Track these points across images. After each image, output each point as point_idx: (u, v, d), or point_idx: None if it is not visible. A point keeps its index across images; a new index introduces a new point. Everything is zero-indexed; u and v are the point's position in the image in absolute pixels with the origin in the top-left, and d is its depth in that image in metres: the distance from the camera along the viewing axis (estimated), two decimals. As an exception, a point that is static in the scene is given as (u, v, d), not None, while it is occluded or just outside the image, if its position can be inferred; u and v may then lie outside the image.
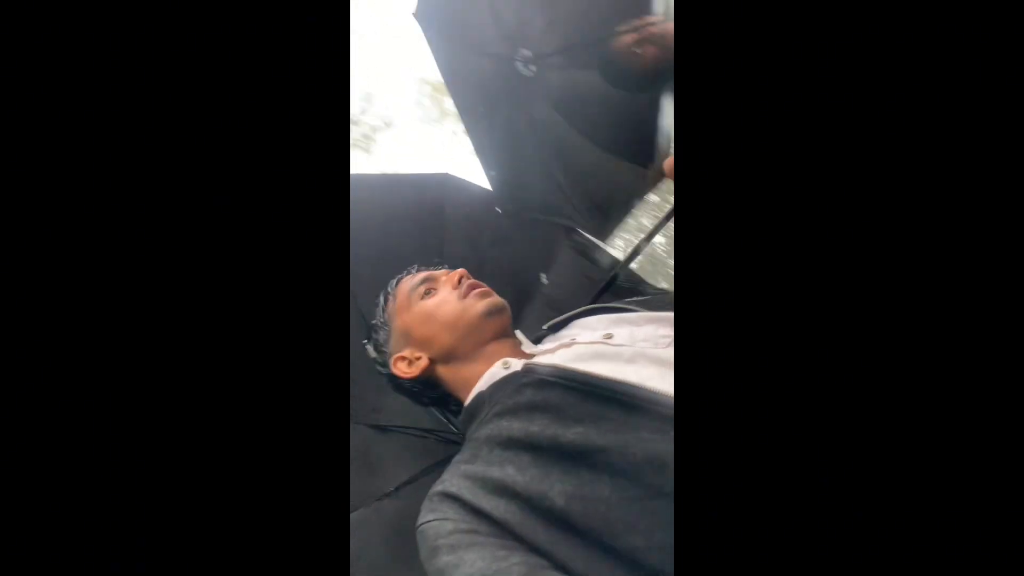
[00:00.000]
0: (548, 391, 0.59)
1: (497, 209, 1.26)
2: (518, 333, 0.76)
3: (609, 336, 0.65)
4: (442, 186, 1.23)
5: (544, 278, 1.15)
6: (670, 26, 1.21)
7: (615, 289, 1.17)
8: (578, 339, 0.68)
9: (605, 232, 1.63)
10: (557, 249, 1.22)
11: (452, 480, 0.59)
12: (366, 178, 1.28)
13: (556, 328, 0.77)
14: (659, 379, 0.55)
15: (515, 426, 0.58)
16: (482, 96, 1.38)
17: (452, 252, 1.13)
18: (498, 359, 0.69)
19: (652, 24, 1.21)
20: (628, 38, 1.22)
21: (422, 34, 1.28)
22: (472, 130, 1.45)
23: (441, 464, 1.01)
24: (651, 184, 1.40)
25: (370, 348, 0.80)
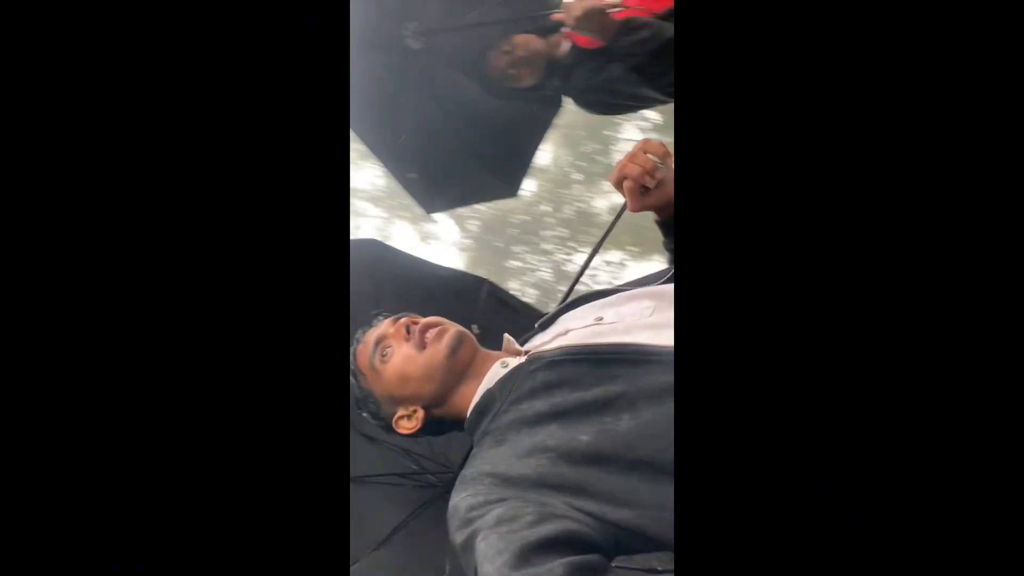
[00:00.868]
0: (560, 368, 0.65)
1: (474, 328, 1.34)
2: (507, 337, 0.79)
3: (600, 319, 0.71)
4: (369, 250, 1.34)
5: (475, 328, 1.29)
6: (541, 46, 1.34)
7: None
8: (570, 327, 0.73)
9: (515, 179, 1.72)
10: (480, 302, 1.37)
11: (482, 462, 0.63)
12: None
13: (544, 326, 0.81)
14: (656, 339, 0.63)
15: (537, 404, 0.63)
16: (381, 96, 1.43)
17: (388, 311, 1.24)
18: (486, 371, 0.74)
19: (525, 45, 1.33)
20: (503, 61, 1.33)
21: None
22: (376, 146, 1.50)
23: (427, 506, 1.11)
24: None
25: (368, 417, 0.83)
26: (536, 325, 0.83)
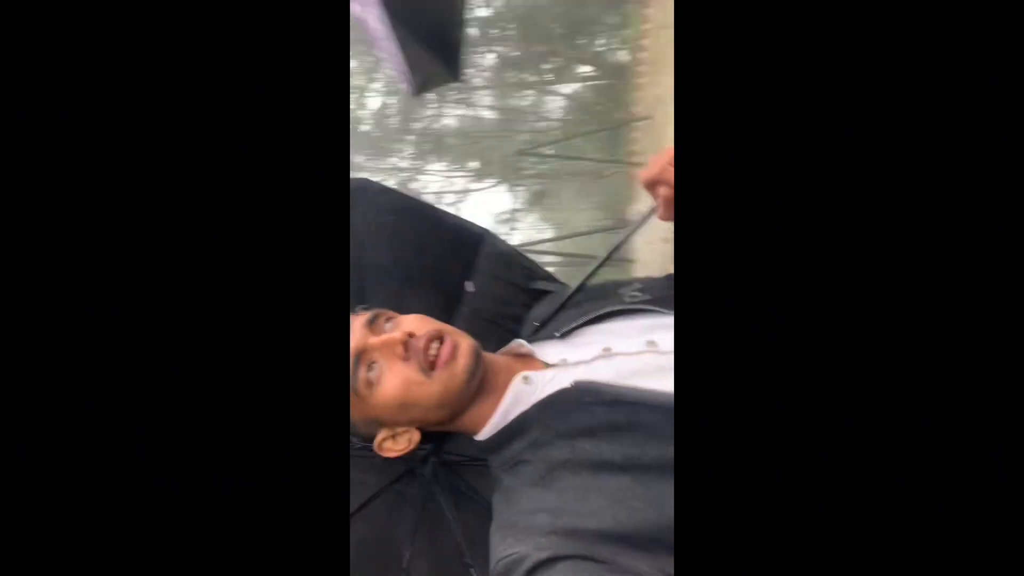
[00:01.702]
0: (629, 411, 0.58)
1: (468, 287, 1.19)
2: (520, 343, 0.71)
3: (653, 343, 0.64)
4: (358, 193, 1.16)
5: (469, 286, 1.17)
6: None
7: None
8: (614, 348, 0.65)
9: (455, 70, 1.67)
10: (478, 256, 1.23)
11: (536, 508, 0.57)
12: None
13: (567, 335, 0.71)
14: None
15: (604, 449, 0.57)
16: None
17: (374, 263, 1.10)
18: (502, 385, 0.65)
19: None
20: None
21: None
22: None
23: (399, 482, 1.03)
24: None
25: None
26: (557, 335, 0.72)
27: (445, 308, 1.11)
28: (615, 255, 0.80)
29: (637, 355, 0.63)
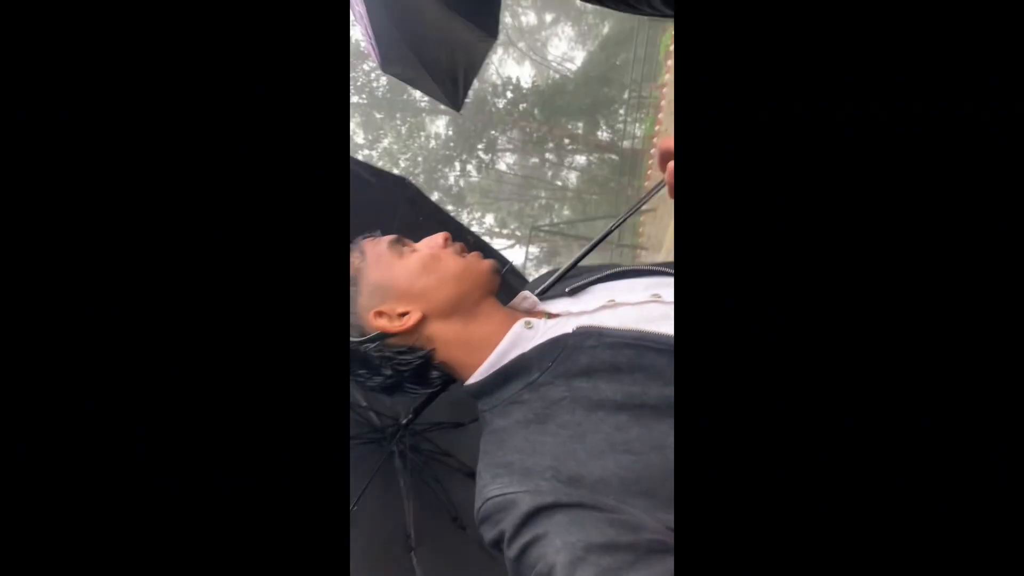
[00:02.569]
0: (632, 352, 0.57)
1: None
2: (525, 293, 0.71)
3: (657, 296, 0.64)
4: (400, 189, 1.19)
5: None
6: None
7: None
8: (618, 300, 0.65)
9: (456, 99, 1.62)
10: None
11: (533, 448, 0.55)
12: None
13: (575, 292, 0.70)
14: None
15: (602, 387, 0.56)
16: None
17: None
18: (503, 326, 0.64)
19: None
20: None
21: None
22: None
23: (384, 468, 0.99)
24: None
25: None
26: (567, 290, 0.71)
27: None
28: (621, 225, 0.79)
29: (641, 304, 0.63)
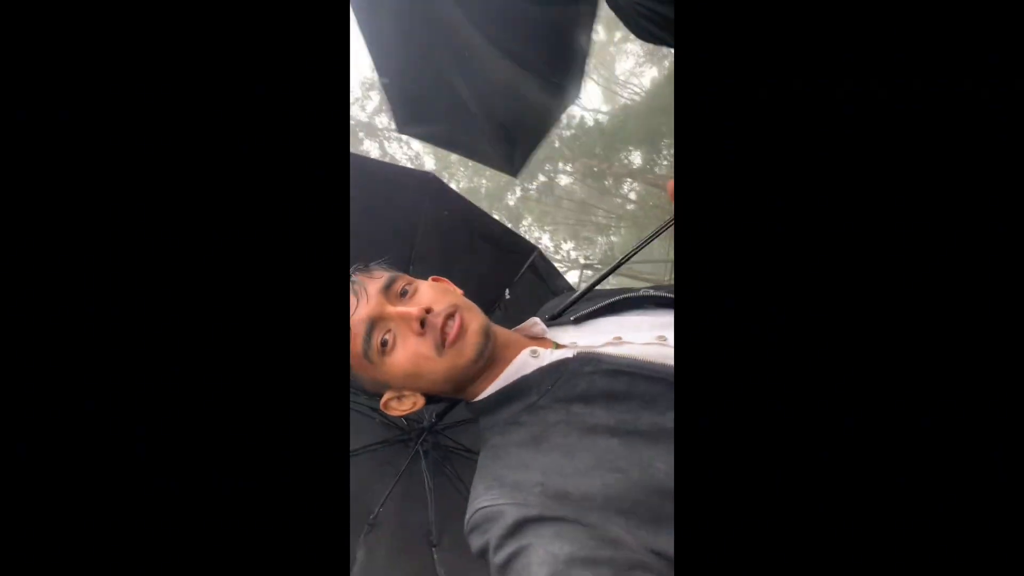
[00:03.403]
0: (628, 380, 0.58)
1: (507, 294, 1.21)
2: (535, 321, 0.70)
3: (663, 338, 0.64)
4: (424, 185, 1.22)
5: (508, 293, 1.19)
6: None
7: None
8: (625, 338, 0.65)
9: (513, 163, 1.38)
10: (521, 267, 1.25)
11: (524, 465, 0.56)
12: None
13: (580, 322, 0.71)
14: None
15: (598, 413, 0.57)
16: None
17: (422, 254, 1.14)
18: (508, 358, 0.65)
19: None
20: None
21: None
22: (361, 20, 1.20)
23: (408, 470, 1.02)
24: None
25: None
26: (572, 319, 0.72)
27: (479, 304, 1.13)
28: (631, 258, 0.79)
29: (646, 345, 0.63)
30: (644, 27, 1.06)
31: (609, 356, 0.60)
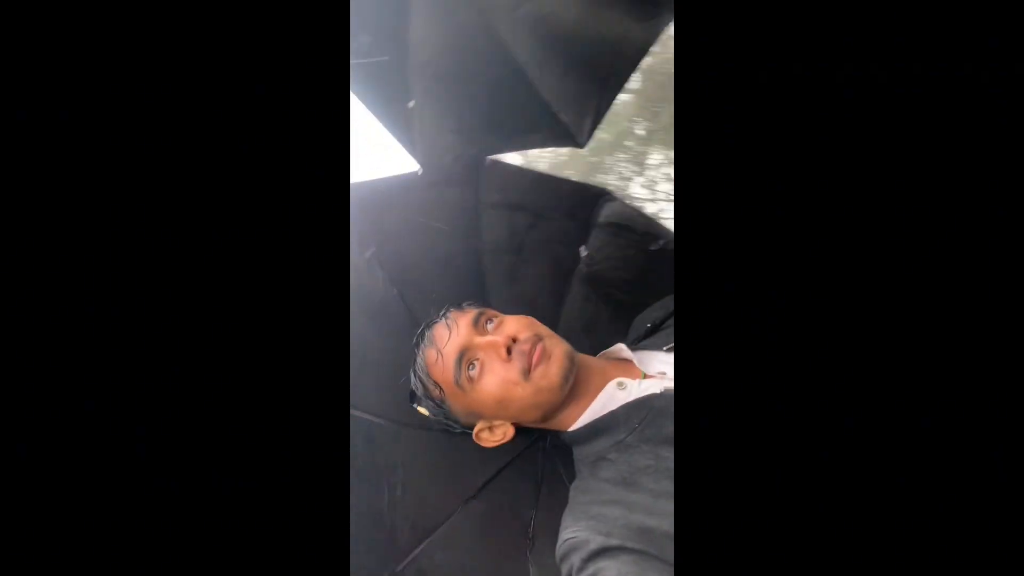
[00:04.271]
0: None
1: (582, 251, 1.09)
2: (623, 348, 0.72)
3: None
4: (480, 170, 1.16)
5: (583, 250, 1.11)
6: None
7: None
8: None
9: (582, 130, 1.09)
10: (594, 220, 1.16)
11: (610, 500, 0.59)
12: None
13: (656, 328, 0.73)
14: None
15: None
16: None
17: (490, 237, 1.09)
18: (596, 389, 0.67)
19: None
20: None
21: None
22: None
23: (519, 461, 0.97)
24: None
25: (436, 418, 0.74)
26: (664, 348, 0.73)
27: (557, 276, 1.06)
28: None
29: None
30: None
31: None
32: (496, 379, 0.66)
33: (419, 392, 0.72)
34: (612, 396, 0.67)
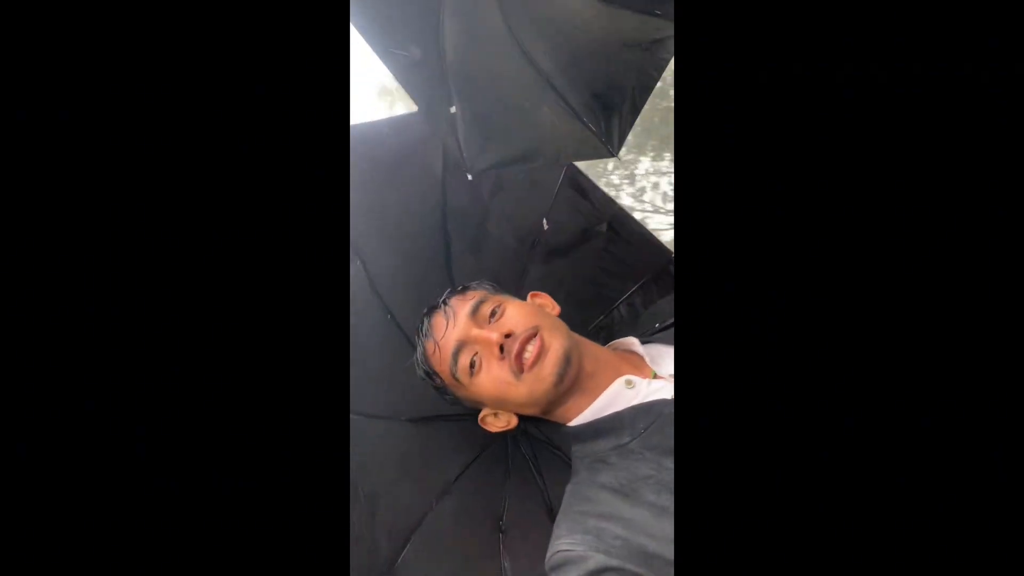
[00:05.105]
0: None
1: (544, 223, 1.08)
2: (635, 342, 0.69)
3: None
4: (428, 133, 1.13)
5: (545, 223, 1.12)
6: None
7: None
8: None
9: (612, 138, 1.10)
10: (557, 191, 1.18)
11: (610, 513, 0.57)
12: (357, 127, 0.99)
13: (666, 325, 0.70)
14: None
15: None
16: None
17: (455, 205, 1.09)
18: (602, 386, 0.65)
19: None
20: None
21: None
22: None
23: (488, 449, 1.00)
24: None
25: (445, 399, 0.74)
26: (658, 325, 0.73)
27: (518, 259, 1.07)
28: None
29: None
30: None
31: None
32: (491, 378, 0.65)
33: (423, 378, 0.72)
34: (619, 394, 0.64)
